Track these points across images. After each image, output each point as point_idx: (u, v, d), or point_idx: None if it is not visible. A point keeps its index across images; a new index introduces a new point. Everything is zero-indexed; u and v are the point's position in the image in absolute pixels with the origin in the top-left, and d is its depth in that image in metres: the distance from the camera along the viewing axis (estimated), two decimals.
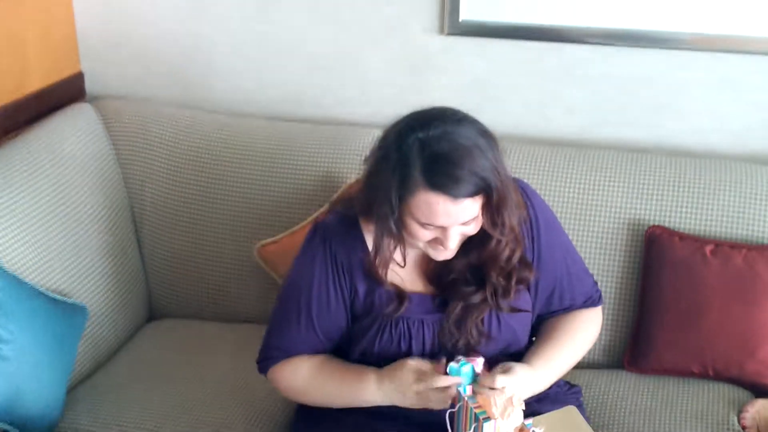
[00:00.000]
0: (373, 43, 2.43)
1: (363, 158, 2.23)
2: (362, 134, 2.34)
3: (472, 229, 1.60)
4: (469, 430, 1.53)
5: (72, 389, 2.11)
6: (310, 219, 2.26)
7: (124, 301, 2.34)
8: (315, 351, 1.76)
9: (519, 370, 1.63)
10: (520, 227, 1.67)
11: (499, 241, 1.63)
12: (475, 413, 1.52)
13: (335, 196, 2.24)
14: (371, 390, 1.68)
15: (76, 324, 2.06)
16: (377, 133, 2.30)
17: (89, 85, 2.65)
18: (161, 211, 2.42)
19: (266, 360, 1.79)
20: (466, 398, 1.54)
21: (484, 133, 1.57)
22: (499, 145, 1.59)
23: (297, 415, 1.90)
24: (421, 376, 1.61)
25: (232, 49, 2.54)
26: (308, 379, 1.74)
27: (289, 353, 1.76)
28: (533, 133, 2.39)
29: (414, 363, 1.64)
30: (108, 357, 2.27)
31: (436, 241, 1.60)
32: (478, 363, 1.61)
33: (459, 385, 1.58)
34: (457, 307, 1.67)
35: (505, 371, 1.61)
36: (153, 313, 2.49)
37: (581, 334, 1.81)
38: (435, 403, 1.61)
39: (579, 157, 2.22)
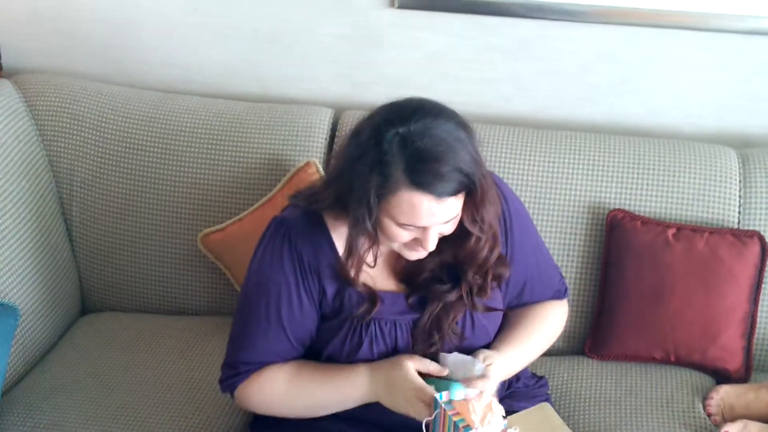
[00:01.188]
0: (319, 16, 2.31)
1: (312, 138, 2.18)
2: (310, 113, 2.23)
3: (450, 228, 1.53)
4: None
5: (4, 394, 1.96)
6: (257, 205, 2.13)
7: (54, 295, 2.18)
8: (286, 359, 1.65)
9: (495, 366, 1.59)
10: (497, 223, 1.59)
11: (478, 239, 1.56)
12: (455, 422, 1.44)
13: (285, 179, 2.12)
14: (361, 382, 1.58)
15: (8, 326, 1.90)
16: (327, 112, 2.25)
17: (6, 59, 2.44)
18: (92, 196, 2.26)
19: (234, 377, 1.65)
20: (443, 405, 1.46)
21: (463, 125, 1.49)
22: (476, 137, 1.50)
23: (255, 416, 1.79)
24: (420, 391, 1.52)
25: (164, 23, 2.38)
26: (288, 384, 1.62)
27: (259, 365, 1.63)
28: (487, 112, 2.31)
29: (412, 371, 1.55)
30: (40, 356, 2.13)
31: (415, 242, 1.52)
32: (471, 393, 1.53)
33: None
34: (437, 308, 1.59)
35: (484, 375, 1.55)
36: (86, 306, 2.34)
37: (548, 323, 1.77)
38: (416, 415, 1.52)
39: (536, 138, 2.16)
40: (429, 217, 1.46)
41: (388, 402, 1.57)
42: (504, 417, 1.51)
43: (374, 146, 1.45)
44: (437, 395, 1.48)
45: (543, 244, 1.81)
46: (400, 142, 1.43)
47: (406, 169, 1.43)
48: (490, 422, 1.47)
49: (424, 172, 1.42)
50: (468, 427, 1.44)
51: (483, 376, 1.54)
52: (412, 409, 1.52)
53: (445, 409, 1.46)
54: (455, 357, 1.58)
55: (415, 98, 1.51)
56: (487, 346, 1.67)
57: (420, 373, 1.56)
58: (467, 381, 1.52)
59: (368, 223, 1.48)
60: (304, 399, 1.62)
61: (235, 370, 1.64)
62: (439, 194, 1.44)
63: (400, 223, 1.47)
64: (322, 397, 1.62)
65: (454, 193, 1.45)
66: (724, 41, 2.18)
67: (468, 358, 1.57)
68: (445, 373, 1.55)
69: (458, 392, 1.49)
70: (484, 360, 1.58)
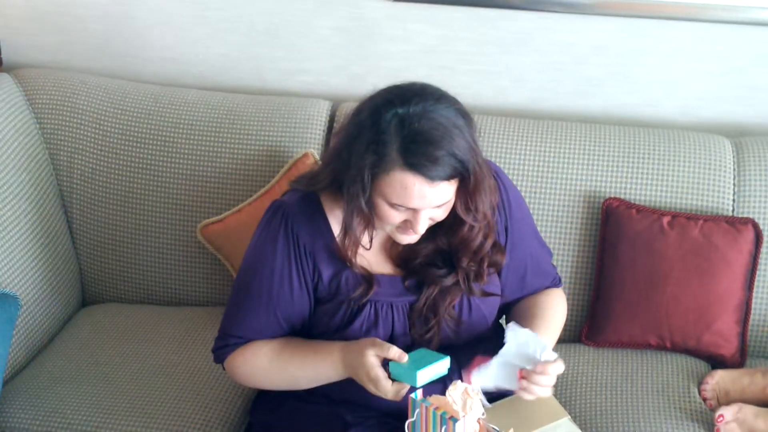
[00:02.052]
0: (316, 9, 2.32)
1: (310, 130, 2.20)
2: (308, 105, 2.25)
3: (442, 214, 1.54)
4: None
5: (6, 383, 1.97)
6: (256, 196, 2.15)
7: (55, 286, 2.20)
8: (275, 337, 1.67)
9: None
10: (492, 213, 1.61)
11: (471, 227, 1.58)
12: (440, 415, 1.45)
13: (283, 170, 2.14)
14: (331, 365, 1.59)
15: (9, 315, 1.91)
16: (324, 105, 2.27)
17: (6, 54, 2.45)
18: (92, 189, 2.27)
19: (223, 348, 1.69)
20: (424, 404, 1.47)
21: (463, 113, 1.51)
22: (475, 126, 1.52)
23: (255, 403, 1.81)
24: (375, 382, 1.52)
25: (162, 17, 2.39)
26: (270, 360, 1.64)
27: (247, 341, 1.67)
28: (484, 104, 2.33)
29: (371, 360, 1.52)
30: (42, 347, 2.14)
31: (405, 224, 1.53)
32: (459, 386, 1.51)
33: (410, 392, 1.50)
34: (434, 291, 1.61)
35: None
36: (87, 297, 2.35)
37: (559, 311, 1.78)
38: (384, 396, 1.52)
39: (532, 128, 2.18)
40: (420, 199, 1.47)
41: (361, 384, 1.56)
42: (483, 398, 1.52)
43: (372, 125, 1.47)
44: (413, 395, 1.48)
45: (538, 234, 1.82)
46: (398, 122, 1.45)
47: (400, 150, 1.44)
48: (471, 407, 1.48)
49: (418, 154, 1.44)
50: (453, 417, 1.45)
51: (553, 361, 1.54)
52: (379, 393, 1.53)
53: (425, 407, 1.47)
54: (525, 334, 1.57)
55: (418, 82, 1.53)
56: (485, 331, 1.69)
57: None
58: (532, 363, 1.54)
59: (362, 200, 1.49)
60: (284, 375, 1.65)
61: (225, 342, 1.68)
62: (432, 177, 1.45)
63: (392, 203, 1.49)
64: (302, 376, 1.64)
65: (447, 177, 1.47)
66: (719, 32, 2.20)
67: (534, 337, 1.56)
68: (404, 360, 1.52)
69: (421, 376, 1.49)
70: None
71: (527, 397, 1.56)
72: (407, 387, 1.51)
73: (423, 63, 2.32)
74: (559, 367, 1.55)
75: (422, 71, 2.33)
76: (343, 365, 1.59)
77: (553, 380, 1.56)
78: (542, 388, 1.55)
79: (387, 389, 1.51)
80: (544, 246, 1.83)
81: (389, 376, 1.53)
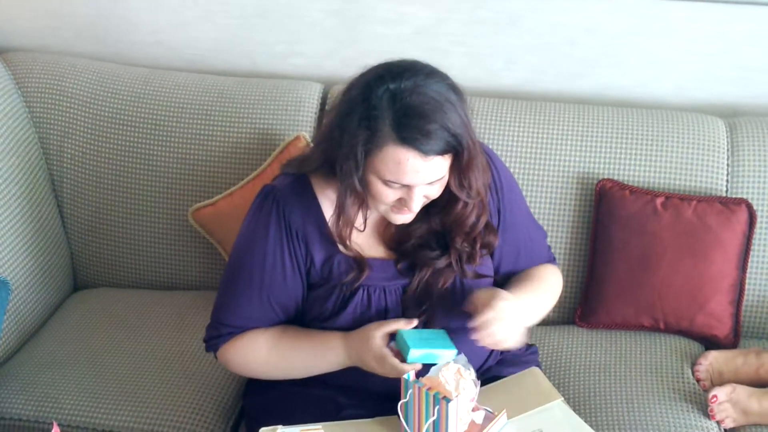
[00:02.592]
0: None
1: (302, 113, 2.19)
2: (299, 88, 2.24)
3: (437, 191, 1.53)
4: (432, 417, 1.46)
5: None
6: (248, 179, 2.14)
7: (46, 271, 2.19)
8: (269, 325, 1.66)
9: (505, 294, 1.55)
10: (485, 191, 1.60)
11: (465, 205, 1.57)
12: (433, 395, 1.45)
13: (275, 153, 2.13)
14: (337, 353, 1.60)
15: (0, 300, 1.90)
16: (316, 87, 2.25)
17: None
18: (82, 173, 2.26)
19: (216, 338, 1.67)
20: (416, 385, 1.47)
21: (454, 88, 1.50)
22: (467, 102, 1.51)
23: (248, 386, 1.81)
24: (381, 360, 1.53)
25: (153, 1, 2.36)
26: (268, 351, 1.64)
27: (241, 329, 1.65)
28: (476, 86, 2.31)
29: (378, 343, 1.54)
30: (33, 332, 2.13)
31: (400, 203, 1.52)
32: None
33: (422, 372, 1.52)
34: (427, 273, 1.60)
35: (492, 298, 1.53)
36: (79, 282, 2.34)
37: (549, 280, 1.77)
38: (397, 375, 1.52)
39: (525, 110, 2.16)
40: (414, 174, 1.46)
41: (368, 369, 1.58)
42: (474, 380, 1.52)
43: (364, 101, 1.45)
44: (405, 376, 1.49)
45: (531, 214, 1.82)
46: (390, 97, 1.44)
47: (393, 124, 1.43)
48: (464, 388, 1.48)
49: (410, 128, 1.43)
50: (446, 397, 1.44)
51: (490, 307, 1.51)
52: (386, 371, 1.53)
53: (418, 387, 1.46)
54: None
55: (409, 59, 1.52)
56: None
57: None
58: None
59: (355, 178, 1.48)
60: (283, 366, 1.65)
61: (218, 332, 1.66)
62: (425, 152, 1.44)
63: (386, 180, 1.48)
64: (301, 367, 1.64)
65: (441, 152, 1.46)
66: (712, 11, 2.18)
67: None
68: (412, 326, 1.54)
69: (414, 354, 1.49)
70: (499, 300, 1.53)
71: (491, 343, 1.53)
72: (413, 366, 1.51)
73: (415, 45, 2.30)
74: (490, 315, 1.50)
75: (415, 53, 2.24)
76: (346, 354, 1.59)
77: (499, 326, 1.51)
78: (497, 336, 1.51)
79: (395, 365, 1.51)
80: (538, 227, 1.82)
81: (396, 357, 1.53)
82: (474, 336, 1.51)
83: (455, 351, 1.53)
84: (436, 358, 1.52)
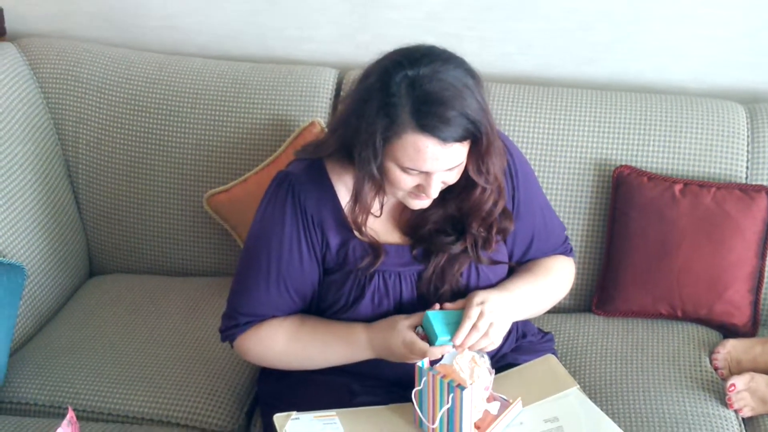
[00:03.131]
0: None
1: (316, 98, 2.17)
2: (314, 73, 2.22)
3: (455, 177, 1.52)
4: (446, 405, 1.45)
5: (14, 353, 1.98)
6: (262, 165, 2.13)
7: (62, 257, 2.19)
8: (287, 313, 1.65)
9: (490, 293, 1.56)
10: (502, 176, 1.59)
11: (483, 190, 1.56)
12: (448, 383, 1.44)
13: (290, 139, 2.12)
14: (363, 346, 1.59)
15: (15, 285, 1.91)
16: (331, 73, 2.24)
17: (10, 24, 2.43)
18: (97, 158, 2.26)
19: (233, 328, 1.65)
20: (431, 373, 1.46)
21: (472, 73, 1.48)
22: (484, 87, 1.49)
23: (262, 372, 1.80)
24: (410, 345, 1.52)
25: None
26: (287, 342, 1.62)
27: (258, 318, 1.64)
28: (490, 71, 2.29)
29: (406, 328, 1.53)
30: (49, 317, 2.14)
31: (418, 189, 1.51)
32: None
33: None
34: (442, 259, 1.59)
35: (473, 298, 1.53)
36: (94, 268, 2.34)
37: (553, 272, 1.75)
38: (420, 354, 1.51)
39: (541, 96, 2.14)
40: (433, 161, 1.45)
41: (392, 359, 1.58)
42: (489, 368, 1.51)
43: (382, 89, 1.44)
44: (419, 363, 1.48)
45: (548, 203, 1.80)
46: (408, 84, 1.43)
47: (412, 112, 1.42)
48: (479, 376, 1.47)
49: (430, 115, 1.41)
50: (460, 385, 1.43)
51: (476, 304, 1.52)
52: (416, 356, 1.52)
53: (433, 375, 1.46)
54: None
55: (425, 44, 1.50)
56: None
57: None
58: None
59: (373, 166, 1.47)
60: (301, 358, 1.64)
61: (235, 321, 1.64)
62: (444, 138, 1.43)
63: (405, 167, 1.47)
64: (321, 359, 1.63)
65: (460, 138, 1.45)
66: None
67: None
68: (436, 307, 1.55)
69: (443, 339, 1.49)
70: (479, 297, 1.54)
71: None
72: (441, 349, 1.50)
73: (428, 30, 2.28)
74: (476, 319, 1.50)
75: (428, 38, 2.22)
76: (371, 346, 1.58)
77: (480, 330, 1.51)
78: (483, 339, 1.51)
79: (424, 348, 1.49)
80: (555, 218, 1.80)
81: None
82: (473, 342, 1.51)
83: None
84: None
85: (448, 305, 1.56)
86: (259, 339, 1.64)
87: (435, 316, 1.52)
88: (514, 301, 1.60)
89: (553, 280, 1.74)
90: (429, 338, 1.51)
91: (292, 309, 1.64)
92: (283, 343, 1.63)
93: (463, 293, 1.60)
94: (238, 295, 1.64)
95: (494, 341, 1.53)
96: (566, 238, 1.83)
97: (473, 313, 1.52)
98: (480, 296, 1.55)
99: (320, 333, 1.62)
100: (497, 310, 1.54)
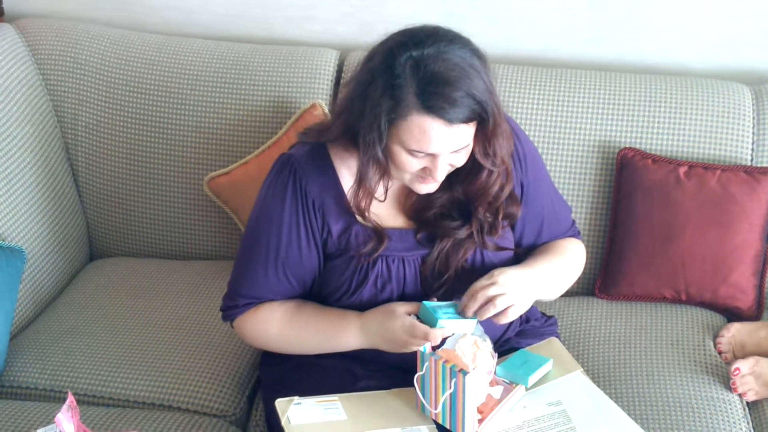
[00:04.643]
0: None
1: (318, 80, 2.15)
2: (316, 55, 2.20)
3: (462, 159, 1.50)
4: (448, 390, 1.44)
5: (14, 337, 1.97)
6: (263, 148, 2.11)
7: (62, 240, 2.18)
8: (285, 297, 1.64)
9: (508, 268, 1.54)
10: (509, 159, 1.57)
11: (490, 173, 1.54)
12: (450, 368, 1.43)
13: (291, 121, 2.10)
14: (353, 334, 1.58)
15: (15, 269, 1.90)
16: (332, 54, 2.21)
17: (8, 4, 2.41)
18: (97, 141, 2.24)
19: (232, 309, 1.65)
20: (433, 358, 1.45)
21: (477, 53, 1.46)
22: (490, 67, 1.47)
23: (264, 357, 1.79)
24: (411, 329, 1.50)
25: None
26: (282, 326, 1.62)
27: (257, 301, 1.64)
28: (495, 52, 2.22)
29: (404, 314, 1.53)
30: (50, 301, 2.13)
31: (424, 172, 1.49)
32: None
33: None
34: (447, 244, 1.57)
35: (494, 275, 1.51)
36: (95, 251, 2.33)
37: (567, 253, 1.73)
38: (422, 337, 1.49)
39: (545, 77, 2.12)
40: (439, 143, 1.43)
41: (385, 347, 1.56)
42: (492, 352, 1.50)
43: (386, 70, 1.42)
44: (421, 348, 1.47)
45: (555, 187, 1.78)
46: (413, 65, 1.41)
47: (417, 93, 1.40)
48: (481, 360, 1.46)
49: (435, 96, 1.40)
50: (463, 370, 1.42)
51: (491, 284, 1.50)
52: (417, 340, 1.50)
53: (435, 360, 1.44)
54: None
55: (430, 24, 1.48)
56: None
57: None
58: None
59: (378, 149, 1.45)
60: (295, 343, 1.64)
61: (234, 302, 1.65)
62: (450, 119, 1.41)
63: (411, 149, 1.45)
64: (315, 345, 1.62)
65: (466, 119, 1.43)
66: None
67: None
68: (433, 299, 1.54)
69: (440, 326, 1.47)
70: (496, 270, 1.52)
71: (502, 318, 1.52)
72: (443, 332, 1.48)
73: (432, 10, 2.26)
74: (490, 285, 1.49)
75: (432, 18, 2.21)
76: (362, 332, 1.57)
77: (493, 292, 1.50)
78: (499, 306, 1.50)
79: (425, 330, 1.47)
80: (562, 201, 1.78)
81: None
82: (472, 308, 1.49)
83: (476, 320, 1.52)
84: (460, 326, 1.50)
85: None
86: (255, 322, 1.63)
87: (432, 305, 1.51)
88: (533, 277, 1.57)
89: (569, 260, 1.72)
90: (428, 325, 1.50)
91: (290, 293, 1.63)
92: (278, 326, 1.62)
93: (467, 279, 1.59)
94: (238, 277, 1.64)
95: (508, 315, 1.51)
96: (573, 221, 1.81)
97: (485, 279, 1.49)
98: (498, 270, 1.52)
99: (314, 319, 1.61)
100: (511, 283, 1.51)
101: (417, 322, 1.50)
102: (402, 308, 1.54)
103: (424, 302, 1.52)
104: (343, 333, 1.59)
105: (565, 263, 1.70)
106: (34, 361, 1.90)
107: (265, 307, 1.63)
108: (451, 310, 1.53)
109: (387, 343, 1.55)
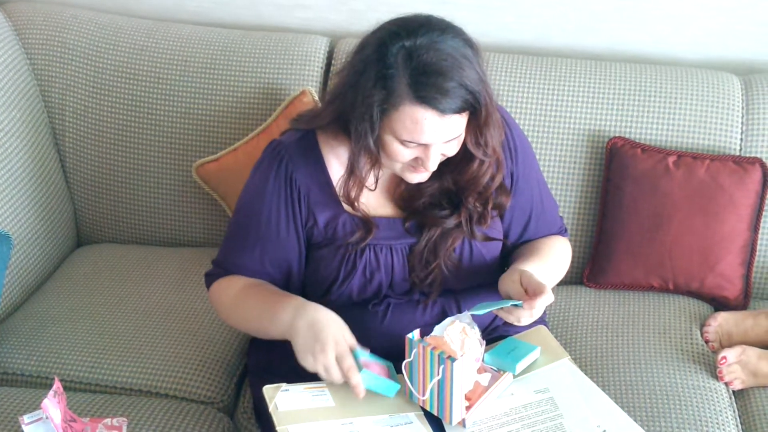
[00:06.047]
0: None
1: (308, 67, 2.14)
2: (306, 41, 2.19)
3: (454, 149, 1.50)
4: (436, 377, 1.44)
5: (0, 323, 1.96)
6: (252, 135, 2.10)
7: (49, 226, 2.17)
8: (259, 278, 1.63)
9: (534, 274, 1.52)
10: (501, 149, 1.56)
11: (481, 163, 1.53)
12: (438, 355, 1.42)
13: (280, 108, 2.09)
14: (288, 311, 1.48)
15: (1, 255, 1.88)
16: (323, 41, 2.20)
17: None
18: (84, 126, 2.23)
19: (211, 275, 1.67)
20: (421, 345, 1.44)
21: (470, 43, 1.46)
22: (483, 57, 1.47)
23: (251, 343, 1.79)
24: (341, 352, 1.43)
25: None
26: (234, 295, 1.60)
27: (227, 273, 1.64)
28: (487, 41, 2.26)
29: (347, 337, 1.46)
30: (36, 287, 2.12)
31: (415, 161, 1.49)
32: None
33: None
34: (435, 233, 1.57)
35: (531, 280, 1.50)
36: (82, 237, 2.32)
37: (558, 252, 1.73)
38: (312, 368, 1.44)
39: (536, 66, 2.12)
40: (431, 133, 1.43)
41: (300, 342, 1.44)
42: (481, 339, 1.50)
43: (379, 60, 1.41)
44: (410, 335, 1.45)
45: (545, 181, 1.78)
46: (406, 55, 1.40)
47: (410, 83, 1.40)
48: (469, 347, 1.46)
49: (428, 86, 1.39)
50: (451, 357, 1.42)
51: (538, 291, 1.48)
52: (319, 361, 1.42)
53: (423, 347, 1.44)
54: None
55: (422, 14, 1.47)
56: (486, 276, 1.64)
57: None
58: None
59: (370, 139, 1.45)
60: (240, 318, 1.60)
61: (215, 270, 1.67)
62: (443, 110, 1.40)
63: (402, 139, 1.44)
64: (256, 317, 1.56)
65: (458, 110, 1.42)
66: None
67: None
68: (368, 350, 1.49)
69: (416, 331, 1.45)
70: (521, 276, 1.50)
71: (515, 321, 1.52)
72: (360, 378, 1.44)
73: None
74: (547, 299, 1.48)
75: (424, 7, 2.21)
76: (296, 311, 1.46)
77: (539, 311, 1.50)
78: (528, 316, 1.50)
79: (351, 365, 1.42)
80: (551, 196, 1.78)
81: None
82: (519, 318, 1.49)
83: (398, 387, 1.49)
84: (378, 386, 1.47)
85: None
86: (219, 289, 1.64)
87: (362, 353, 1.46)
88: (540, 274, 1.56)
89: (557, 260, 1.72)
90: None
91: (264, 276, 1.62)
92: (232, 296, 1.60)
93: (455, 268, 1.59)
94: (224, 249, 1.66)
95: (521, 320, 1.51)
96: (561, 218, 1.81)
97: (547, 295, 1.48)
98: (537, 276, 1.51)
99: (264, 294, 1.57)
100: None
101: (349, 352, 1.45)
102: (350, 336, 1.47)
103: (356, 351, 1.45)
104: (281, 308, 1.50)
105: (556, 266, 1.70)
106: (21, 347, 1.89)
107: (230, 278, 1.63)
108: (380, 368, 1.49)
109: (306, 338, 1.44)
